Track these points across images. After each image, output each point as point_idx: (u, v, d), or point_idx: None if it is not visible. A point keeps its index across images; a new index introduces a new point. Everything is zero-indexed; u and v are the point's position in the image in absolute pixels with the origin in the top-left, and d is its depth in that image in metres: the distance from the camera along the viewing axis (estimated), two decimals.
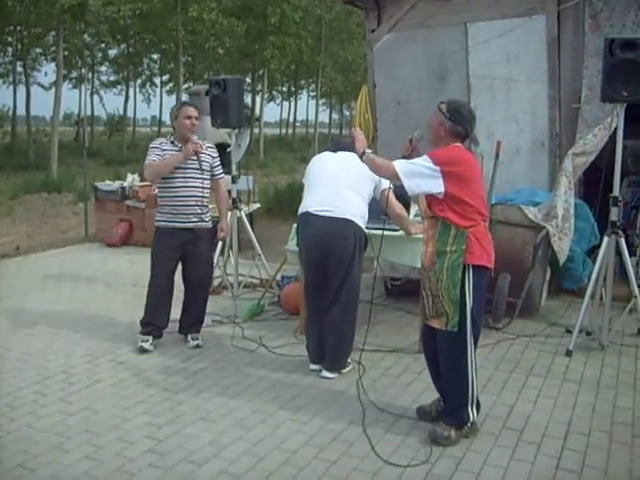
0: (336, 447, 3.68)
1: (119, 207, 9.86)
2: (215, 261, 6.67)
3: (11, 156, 26.61)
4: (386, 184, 4.59)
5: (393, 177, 3.73)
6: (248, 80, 33.15)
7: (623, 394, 4.42)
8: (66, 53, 26.95)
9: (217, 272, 6.78)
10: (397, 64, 7.61)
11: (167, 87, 41.70)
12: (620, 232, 5.15)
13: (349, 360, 4.81)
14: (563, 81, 6.75)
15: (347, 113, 56.02)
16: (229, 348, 5.30)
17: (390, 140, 7.45)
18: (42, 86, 36.09)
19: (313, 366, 4.80)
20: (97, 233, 10.17)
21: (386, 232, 4.81)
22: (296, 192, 11.35)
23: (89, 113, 40.76)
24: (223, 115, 6.55)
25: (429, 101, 4.12)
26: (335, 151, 4.92)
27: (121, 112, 40.14)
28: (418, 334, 4.89)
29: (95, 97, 41.24)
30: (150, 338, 5.21)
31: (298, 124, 57.33)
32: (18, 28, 27.28)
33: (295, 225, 5.13)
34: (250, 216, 8.54)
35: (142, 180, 9.73)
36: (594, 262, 5.39)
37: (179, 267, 5.32)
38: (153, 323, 5.24)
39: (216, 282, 6.82)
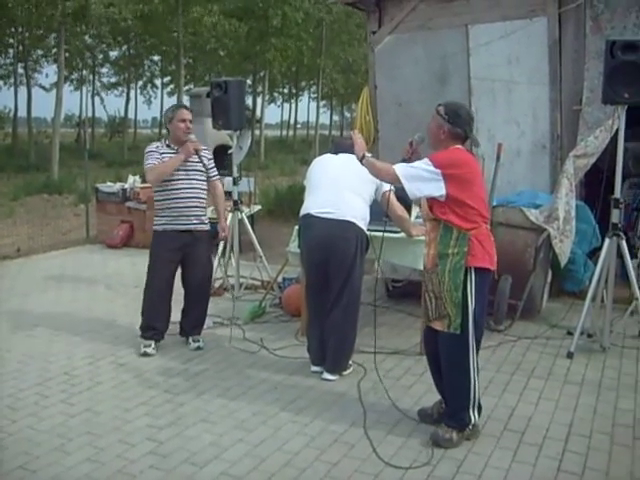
0: (337, 449, 3.68)
1: (120, 209, 9.86)
2: (216, 263, 6.68)
3: (12, 157, 26.65)
4: (387, 186, 4.59)
5: (394, 181, 3.73)
6: (249, 82, 33.18)
7: (624, 396, 4.41)
8: (67, 55, 26.96)
9: (218, 274, 6.79)
10: (398, 66, 7.62)
11: (168, 89, 41.78)
12: (621, 234, 5.15)
13: (350, 362, 4.81)
14: (564, 83, 6.75)
15: (348, 115, 56.08)
16: (230, 350, 5.30)
17: (391, 142, 7.46)
18: (43, 87, 36.17)
19: (314, 368, 4.80)
20: (98, 235, 10.17)
21: (387, 234, 4.82)
22: (297, 194, 11.36)
23: (90, 115, 40.85)
24: (224, 117, 6.55)
25: (430, 103, 4.11)
26: (336, 153, 4.92)
27: (122, 114, 40.22)
28: (419, 336, 4.88)
29: (96, 99, 41.32)
30: (152, 342, 5.21)
31: (299, 126, 57.36)
32: (19, 30, 27.31)
33: (296, 227, 5.14)
34: (251, 218, 8.54)
35: (143, 182, 9.73)
36: (595, 264, 5.39)
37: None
38: (155, 327, 5.24)
39: (217, 284, 6.82)
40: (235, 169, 6.98)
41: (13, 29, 27.26)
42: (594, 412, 4.16)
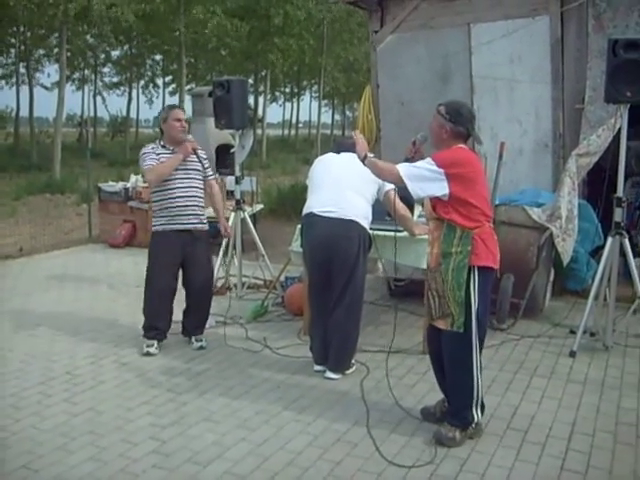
0: (340, 448, 3.68)
1: (122, 208, 9.86)
2: (219, 262, 6.68)
3: (14, 157, 26.67)
4: (389, 185, 4.60)
5: (397, 181, 3.72)
6: (250, 81, 33.18)
7: (627, 395, 4.41)
8: (69, 54, 26.98)
9: (221, 273, 6.79)
10: (400, 65, 7.62)
11: (170, 88, 41.80)
12: (624, 233, 5.15)
13: (353, 361, 4.81)
14: (566, 82, 6.75)
15: (349, 114, 56.05)
16: (232, 349, 5.30)
17: (393, 141, 7.46)
18: (44, 87, 36.19)
19: (317, 367, 4.80)
20: (100, 234, 10.18)
21: (390, 233, 4.81)
22: (299, 193, 11.37)
23: (92, 114, 40.88)
24: (227, 116, 6.56)
25: (432, 102, 4.10)
26: (338, 152, 4.92)
27: (124, 113, 40.26)
28: (422, 335, 4.89)
29: (98, 98, 41.35)
30: (155, 342, 5.20)
31: (301, 125, 57.38)
32: (21, 29, 27.32)
33: (299, 226, 5.13)
34: (253, 217, 8.54)
35: (145, 181, 9.73)
36: (598, 263, 5.38)
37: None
38: (157, 327, 5.23)
39: (220, 283, 6.82)
40: (237, 168, 6.98)
41: (15, 29, 27.27)
42: (597, 411, 4.16)
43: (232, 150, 7.10)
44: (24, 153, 28.25)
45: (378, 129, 7.93)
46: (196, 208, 5.21)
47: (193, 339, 5.35)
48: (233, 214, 6.78)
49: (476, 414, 3.72)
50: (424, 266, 4.41)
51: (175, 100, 35.75)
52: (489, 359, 4.96)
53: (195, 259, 5.23)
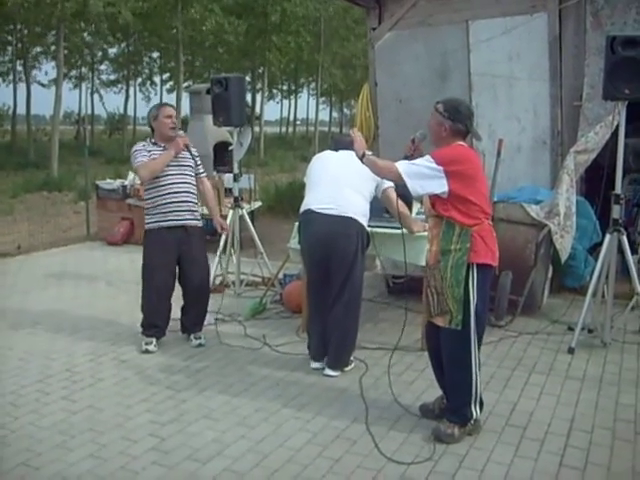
0: (340, 445, 3.69)
1: (120, 206, 9.86)
2: (217, 259, 6.68)
3: (11, 155, 26.62)
4: (387, 183, 4.61)
5: (396, 178, 3.72)
6: (248, 79, 33.14)
7: (626, 391, 4.42)
8: (66, 52, 26.93)
9: (219, 270, 6.79)
10: (398, 62, 7.61)
11: (167, 86, 41.72)
12: (622, 230, 5.15)
13: (352, 358, 4.81)
14: (565, 79, 6.75)
15: (347, 111, 56.03)
16: (231, 346, 5.30)
17: (391, 138, 7.47)
18: (41, 84, 36.10)
19: (314, 364, 4.80)
20: (99, 232, 10.18)
21: (388, 230, 4.82)
22: (297, 190, 11.36)
23: (89, 112, 40.83)
24: (225, 114, 6.56)
25: (430, 99, 4.10)
26: (336, 150, 4.92)
27: (121, 111, 40.19)
28: (421, 332, 4.89)
29: (95, 96, 41.29)
30: (153, 340, 5.20)
31: (298, 122, 57.36)
32: (18, 27, 27.27)
33: (297, 223, 5.13)
34: (251, 214, 8.54)
35: None
36: (596, 260, 5.40)
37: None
38: (156, 325, 5.24)
39: (218, 280, 6.82)
40: (236, 166, 6.98)
41: (12, 26, 27.22)
42: (595, 407, 4.17)
43: (230, 148, 7.09)
44: (21, 151, 28.22)
45: (376, 127, 7.93)
46: (190, 204, 5.21)
47: (192, 336, 5.35)
48: (231, 211, 6.78)
49: (475, 411, 3.73)
50: (423, 263, 4.41)
51: (173, 97, 35.76)
52: (487, 356, 4.96)
53: (191, 256, 5.22)
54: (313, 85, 43.40)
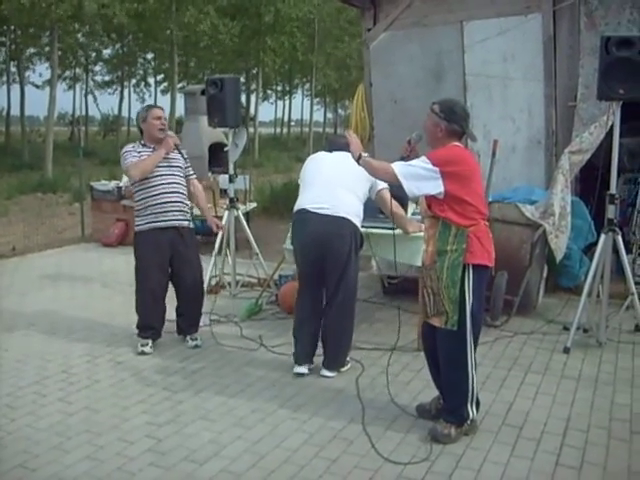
0: (336, 445, 3.69)
1: (115, 207, 9.84)
2: (212, 260, 6.67)
3: (5, 156, 26.54)
4: (382, 184, 4.61)
5: (392, 179, 3.73)
6: (242, 79, 33.11)
7: (621, 391, 4.44)
8: (60, 53, 26.87)
9: (215, 271, 6.78)
10: (393, 63, 7.62)
11: (161, 87, 41.70)
12: (617, 229, 5.17)
13: (348, 358, 4.82)
14: (559, 79, 6.77)
15: (342, 112, 56.03)
16: (227, 347, 5.30)
17: (386, 139, 7.47)
18: (35, 85, 36.01)
19: (298, 369, 4.69)
20: (93, 233, 10.15)
21: (383, 230, 4.82)
22: (292, 191, 11.34)
23: (84, 113, 40.77)
24: (220, 115, 6.54)
25: (425, 100, 4.11)
26: (330, 151, 4.91)
27: (116, 112, 40.14)
28: (417, 332, 4.90)
29: (89, 97, 41.22)
30: (149, 341, 5.20)
31: (293, 123, 57.37)
32: (12, 28, 27.18)
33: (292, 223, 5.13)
34: (247, 215, 8.54)
35: None
36: (591, 259, 5.41)
37: None
38: (152, 327, 5.23)
39: (214, 281, 6.82)
40: (231, 167, 6.97)
41: (5, 27, 27.13)
42: (591, 407, 4.18)
43: (226, 149, 7.08)
44: (15, 152, 28.13)
45: (371, 127, 7.94)
46: (181, 204, 5.20)
47: (188, 338, 5.35)
48: (227, 212, 6.78)
49: (471, 411, 3.74)
50: (419, 264, 4.42)
51: (167, 99, 35.75)
52: (483, 356, 4.98)
53: (183, 257, 5.21)
54: (307, 86, 43.41)
